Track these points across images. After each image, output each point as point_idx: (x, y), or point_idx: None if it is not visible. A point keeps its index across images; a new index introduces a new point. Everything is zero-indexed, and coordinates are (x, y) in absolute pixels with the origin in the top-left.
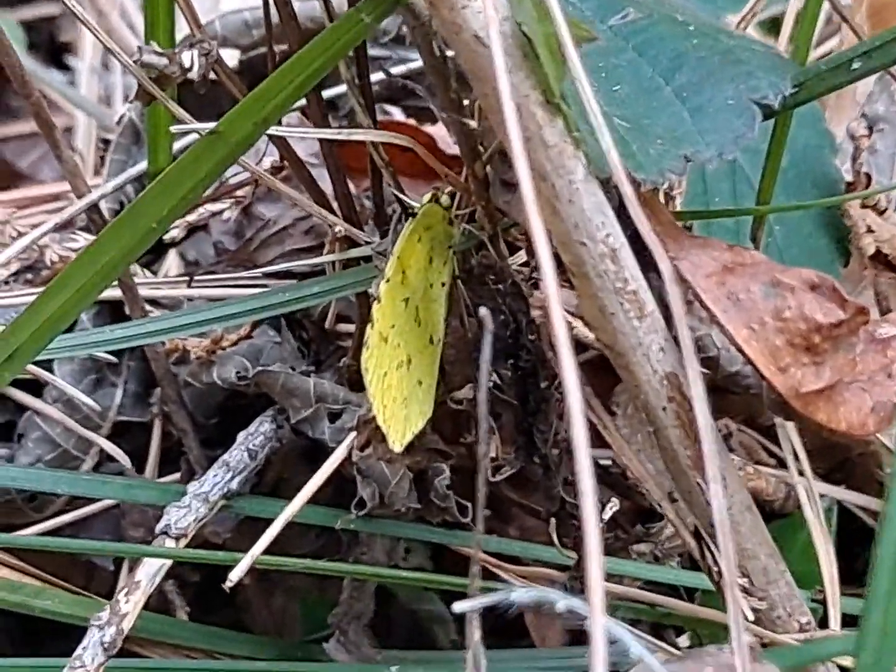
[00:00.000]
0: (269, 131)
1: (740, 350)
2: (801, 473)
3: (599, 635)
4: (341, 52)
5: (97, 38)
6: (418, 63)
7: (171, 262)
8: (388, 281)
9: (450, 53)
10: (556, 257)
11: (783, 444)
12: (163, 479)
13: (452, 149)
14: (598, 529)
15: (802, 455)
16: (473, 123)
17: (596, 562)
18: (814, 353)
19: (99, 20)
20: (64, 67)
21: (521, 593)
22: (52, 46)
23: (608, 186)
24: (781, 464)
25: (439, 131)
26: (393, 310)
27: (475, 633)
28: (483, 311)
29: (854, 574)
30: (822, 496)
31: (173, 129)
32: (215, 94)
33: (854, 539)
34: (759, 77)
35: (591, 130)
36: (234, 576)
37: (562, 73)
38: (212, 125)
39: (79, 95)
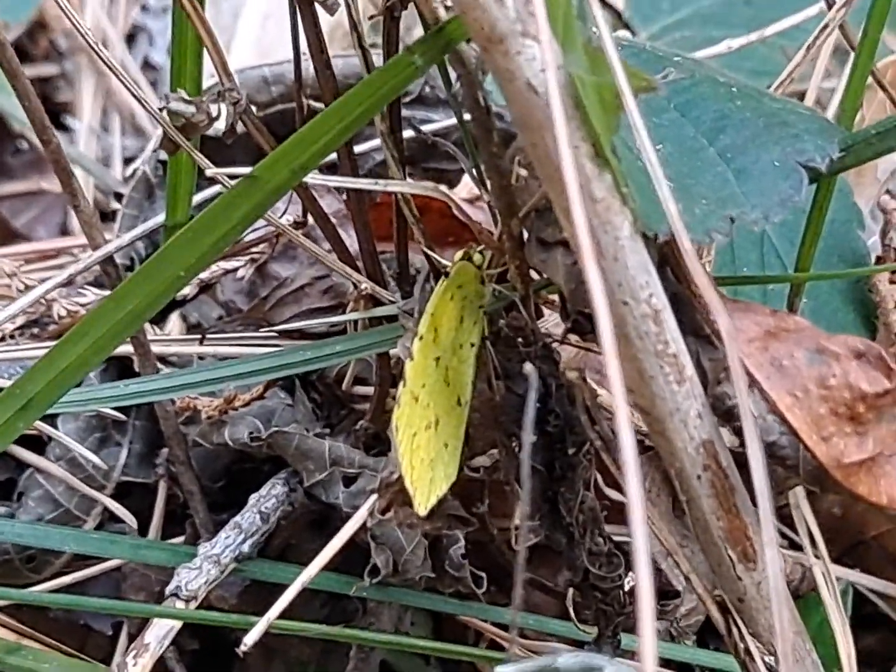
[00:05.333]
0: (306, 180)
1: (782, 418)
2: (816, 556)
3: None
4: (389, 97)
5: (122, 83)
6: (442, 124)
7: (174, 325)
8: (421, 338)
9: (494, 107)
10: (588, 317)
11: (798, 525)
12: (168, 542)
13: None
14: (652, 609)
15: (818, 536)
16: (522, 172)
17: (649, 637)
18: (857, 423)
19: (98, 80)
20: (62, 128)
21: (567, 658)
22: (50, 107)
23: (650, 246)
24: (793, 546)
25: (454, 196)
26: (425, 368)
27: None
28: (528, 367)
29: (868, 656)
30: (837, 579)
31: (209, 172)
32: (230, 153)
33: (868, 622)
34: (806, 140)
35: (640, 185)
36: (249, 640)
37: (613, 126)
38: (246, 170)
39: (78, 153)
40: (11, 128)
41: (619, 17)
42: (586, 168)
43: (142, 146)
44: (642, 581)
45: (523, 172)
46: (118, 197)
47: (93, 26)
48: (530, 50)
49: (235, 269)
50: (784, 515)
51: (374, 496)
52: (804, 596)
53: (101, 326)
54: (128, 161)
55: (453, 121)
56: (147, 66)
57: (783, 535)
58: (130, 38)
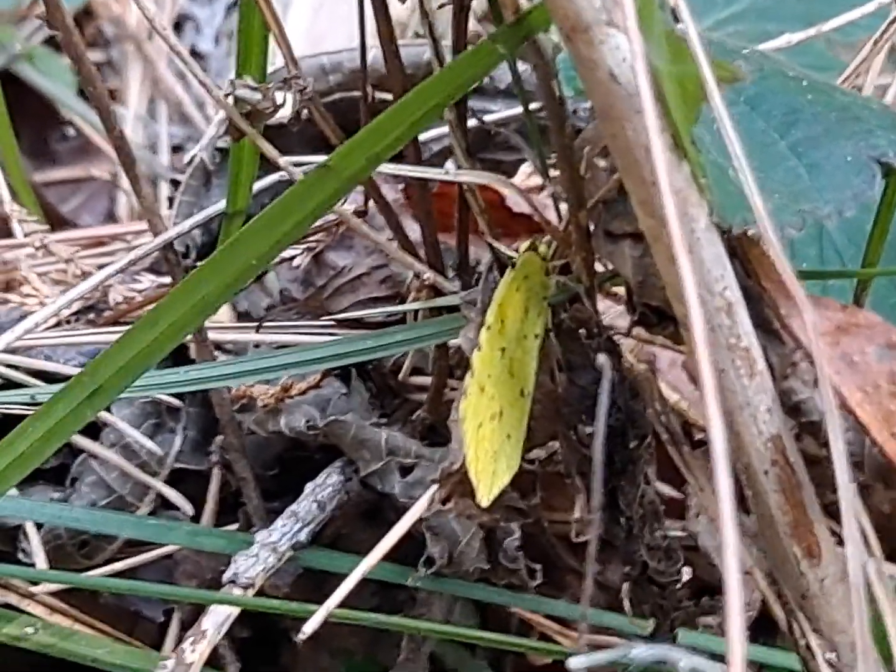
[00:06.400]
0: (380, 169)
1: (853, 413)
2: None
3: None
4: (467, 86)
5: (182, 64)
6: (502, 114)
7: (223, 312)
8: (488, 328)
9: (567, 95)
10: (655, 310)
11: (846, 521)
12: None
13: (518, 207)
14: (741, 601)
15: (871, 533)
16: (601, 164)
17: (738, 625)
18: None
19: (145, 68)
20: None
21: (641, 650)
22: None
23: (726, 238)
24: (841, 543)
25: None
26: (491, 359)
27: None
28: (602, 359)
29: None
30: (889, 577)
31: (281, 161)
32: (287, 140)
33: None
34: (879, 135)
35: (718, 177)
36: (308, 628)
37: (693, 117)
38: (321, 158)
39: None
40: (59, 114)
41: (672, 11)
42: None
43: (188, 134)
44: (731, 584)
45: (601, 163)
46: (175, 184)
47: (139, 14)
48: (614, 39)
49: (292, 258)
50: (831, 512)
51: (433, 486)
52: None
53: (172, 315)
54: (175, 149)
55: (512, 111)
56: (194, 54)
57: (833, 532)
58: (178, 27)
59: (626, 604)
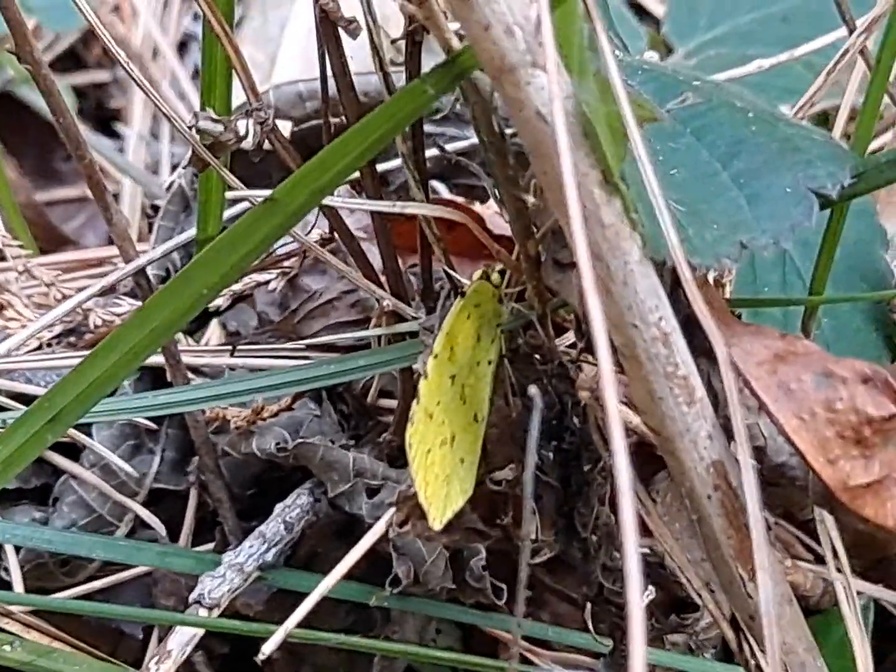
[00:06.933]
0: (326, 202)
1: (789, 440)
2: (838, 570)
3: None
4: (403, 124)
5: (153, 100)
6: (471, 141)
7: (213, 332)
8: (435, 357)
9: (508, 131)
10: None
11: (822, 539)
12: (197, 549)
13: (499, 229)
14: (643, 611)
15: (841, 551)
16: (530, 200)
17: (639, 641)
18: (864, 447)
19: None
20: (113, 134)
21: None
22: (102, 113)
23: (661, 270)
24: (819, 559)
25: (486, 211)
26: (440, 386)
27: None
28: (532, 390)
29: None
30: (859, 594)
31: (229, 195)
32: (265, 166)
33: (889, 637)
34: (818, 166)
35: (648, 211)
36: (267, 648)
37: (622, 153)
38: (267, 192)
39: (126, 162)
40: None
41: (658, 33)
42: (595, 195)
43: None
44: (632, 597)
45: (530, 200)
46: (154, 209)
47: (145, 35)
48: (539, 80)
49: (268, 282)
50: (809, 530)
51: (393, 509)
52: (826, 610)
53: (130, 340)
54: (175, 168)
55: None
56: (198, 74)
57: (808, 549)
58: (182, 46)
59: (589, 623)
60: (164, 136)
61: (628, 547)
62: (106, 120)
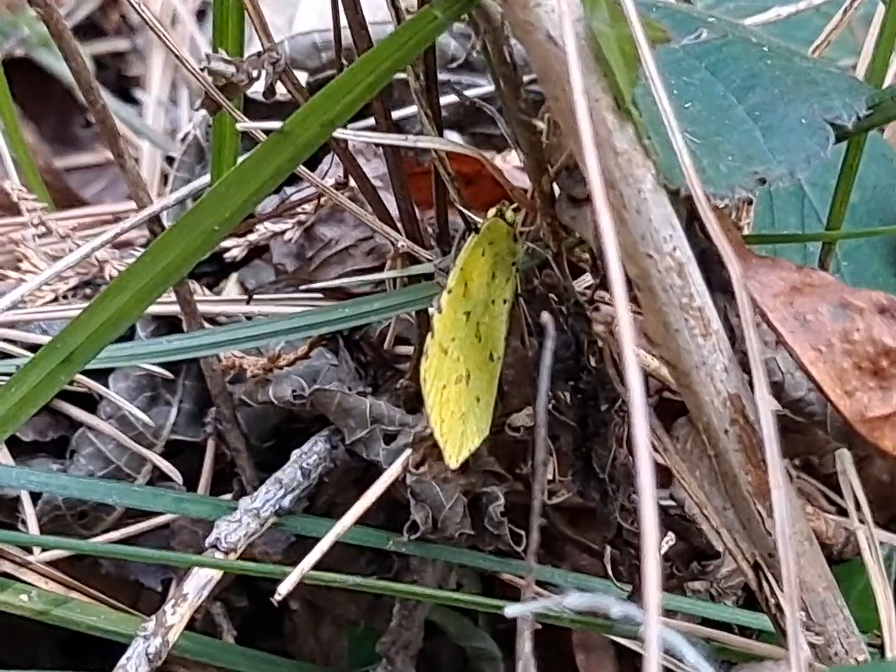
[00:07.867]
0: (336, 134)
1: (806, 372)
2: (861, 521)
3: (654, 640)
4: (413, 52)
5: (167, 45)
6: (486, 89)
7: (231, 289)
8: (450, 292)
9: (520, 62)
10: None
11: (844, 491)
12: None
13: (516, 181)
14: (657, 534)
15: (864, 503)
16: (542, 127)
17: (653, 566)
18: (881, 378)
19: (168, 54)
20: (132, 101)
21: (574, 598)
22: (121, 82)
23: (676, 200)
24: (841, 513)
25: (503, 164)
26: (454, 322)
27: (526, 643)
28: (545, 317)
29: None
30: (881, 544)
31: (240, 126)
32: (280, 114)
33: None
34: (834, 98)
35: (662, 139)
36: (284, 588)
37: (634, 78)
38: (277, 124)
39: (145, 125)
40: (81, 101)
41: None
42: (607, 121)
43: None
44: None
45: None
46: (170, 160)
47: (164, 3)
48: (549, 1)
49: (283, 232)
50: (832, 484)
51: (409, 451)
52: (849, 560)
53: (141, 279)
54: None
55: None
56: None
57: (830, 501)
58: (201, 14)
59: (609, 566)
60: (183, 102)
61: (644, 481)
62: (125, 89)
